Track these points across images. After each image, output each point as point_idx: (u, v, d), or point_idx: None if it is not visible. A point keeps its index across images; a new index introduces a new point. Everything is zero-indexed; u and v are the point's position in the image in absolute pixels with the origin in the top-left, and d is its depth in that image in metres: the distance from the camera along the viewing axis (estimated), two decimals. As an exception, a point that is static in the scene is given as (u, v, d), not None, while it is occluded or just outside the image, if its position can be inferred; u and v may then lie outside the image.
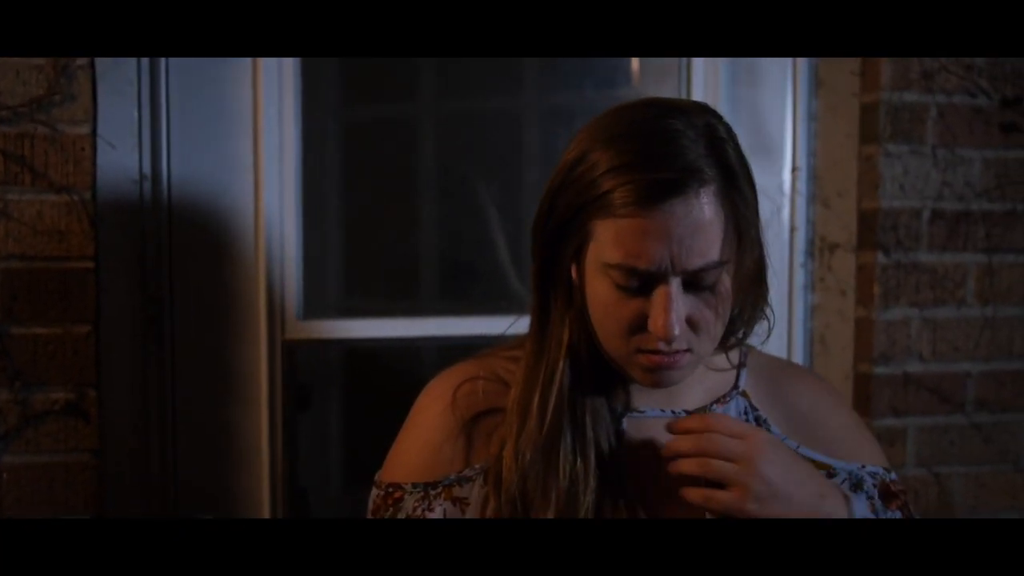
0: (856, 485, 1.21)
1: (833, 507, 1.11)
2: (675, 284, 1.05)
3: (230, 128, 1.69)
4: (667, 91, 1.93)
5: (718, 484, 1.09)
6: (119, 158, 1.60)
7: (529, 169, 2.02)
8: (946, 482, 1.90)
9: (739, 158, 1.10)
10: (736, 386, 1.24)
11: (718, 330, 1.11)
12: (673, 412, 1.21)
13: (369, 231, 1.88)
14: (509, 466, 1.12)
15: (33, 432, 1.54)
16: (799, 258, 1.92)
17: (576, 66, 1.95)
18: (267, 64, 1.69)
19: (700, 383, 1.22)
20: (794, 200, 1.92)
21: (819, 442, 1.23)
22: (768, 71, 1.90)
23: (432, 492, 1.17)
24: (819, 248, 1.92)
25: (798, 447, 1.21)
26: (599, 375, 1.16)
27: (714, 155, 1.06)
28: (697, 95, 1.88)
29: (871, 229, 1.86)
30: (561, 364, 1.14)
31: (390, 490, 1.19)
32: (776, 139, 1.91)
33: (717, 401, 1.22)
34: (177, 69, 1.66)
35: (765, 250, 1.15)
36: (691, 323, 1.08)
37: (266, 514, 1.70)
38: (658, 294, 1.06)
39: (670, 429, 1.13)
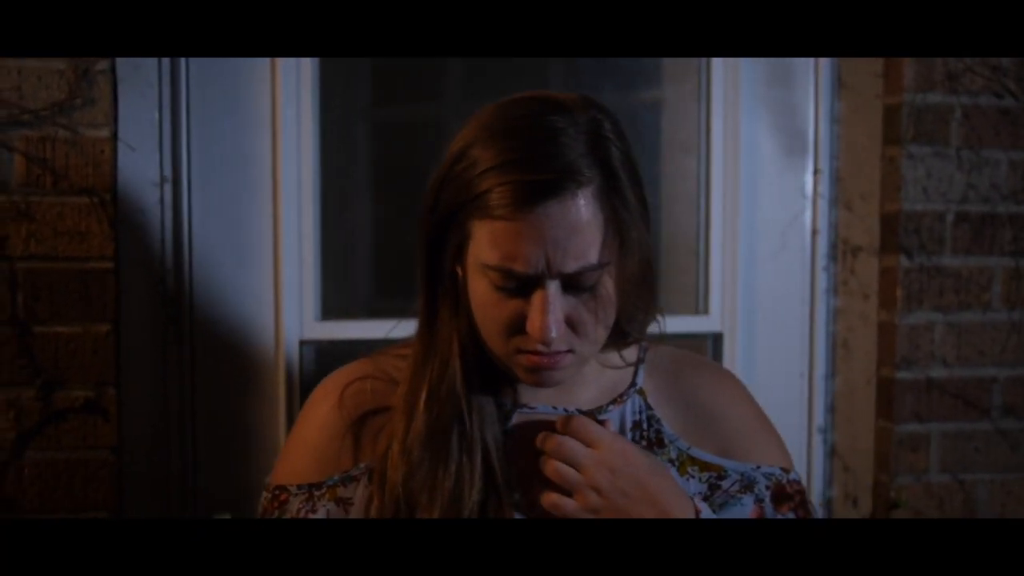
0: (747, 487, 1.20)
1: None
2: (553, 286, 1.04)
3: (248, 130, 1.71)
4: (688, 92, 1.92)
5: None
6: (139, 160, 1.62)
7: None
8: (971, 489, 1.87)
9: (624, 157, 1.07)
10: (633, 384, 1.23)
11: (599, 332, 1.10)
12: (565, 410, 1.19)
13: (397, 232, 1.90)
14: (395, 465, 1.12)
15: (54, 429, 1.57)
16: (821, 261, 1.90)
17: (598, 68, 1.95)
18: (285, 66, 1.71)
19: (595, 381, 1.21)
20: (816, 203, 1.90)
21: (713, 441, 1.21)
22: (790, 73, 1.88)
23: (317, 493, 1.16)
24: (842, 251, 1.90)
25: (689, 448, 1.20)
26: (487, 372, 1.15)
27: (595, 154, 1.04)
28: (717, 97, 1.87)
29: (894, 232, 1.84)
30: (448, 362, 1.13)
31: (276, 492, 1.19)
32: (798, 141, 1.89)
33: (613, 401, 1.21)
34: (196, 72, 1.68)
35: (651, 252, 1.12)
36: (571, 324, 1.07)
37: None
38: (536, 296, 1.05)
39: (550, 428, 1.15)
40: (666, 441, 1.20)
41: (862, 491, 1.91)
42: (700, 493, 1.18)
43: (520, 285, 1.05)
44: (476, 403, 1.14)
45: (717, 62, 1.87)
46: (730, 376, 1.31)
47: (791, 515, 1.21)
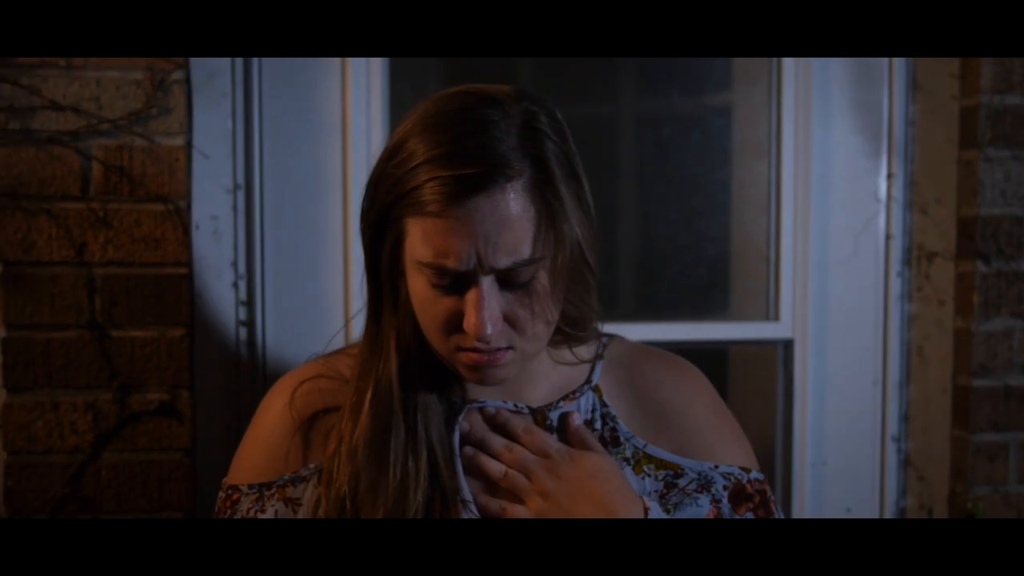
0: (704, 486, 1.17)
1: None
2: (487, 283, 1.03)
3: (319, 137, 1.73)
4: (759, 96, 1.91)
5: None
6: (213, 168, 1.66)
7: (624, 176, 2.02)
8: (1051, 500, 1.83)
9: (559, 151, 1.05)
10: (589, 380, 1.21)
11: (539, 328, 1.08)
12: (516, 406, 1.18)
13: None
14: (341, 465, 1.11)
15: (130, 431, 1.60)
16: (895, 267, 1.87)
17: (668, 72, 1.94)
18: (355, 74, 1.73)
19: (546, 377, 1.20)
20: (890, 207, 1.87)
21: (671, 438, 1.19)
22: (864, 75, 1.85)
23: (267, 493, 1.16)
24: (916, 257, 1.87)
25: (645, 446, 1.18)
26: (434, 369, 1.14)
27: (526, 147, 1.02)
28: (788, 100, 1.85)
29: (970, 237, 1.80)
30: (392, 360, 1.12)
31: (229, 492, 1.19)
32: (872, 145, 1.86)
33: (566, 397, 1.20)
34: (269, 80, 1.71)
35: (589, 245, 1.09)
36: (509, 321, 1.06)
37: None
38: (470, 294, 1.03)
39: (501, 424, 1.16)
40: (621, 439, 1.19)
41: (937, 502, 1.87)
42: (656, 491, 1.17)
43: (455, 282, 1.04)
44: (422, 401, 1.13)
45: (788, 65, 1.85)
46: (692, 372, 1.28)
47: (750, 515, 1.18)
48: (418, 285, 1.07)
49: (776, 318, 1.88)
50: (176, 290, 1.61)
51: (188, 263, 1.62)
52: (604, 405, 1.20)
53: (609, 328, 1.82)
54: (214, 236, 1.66)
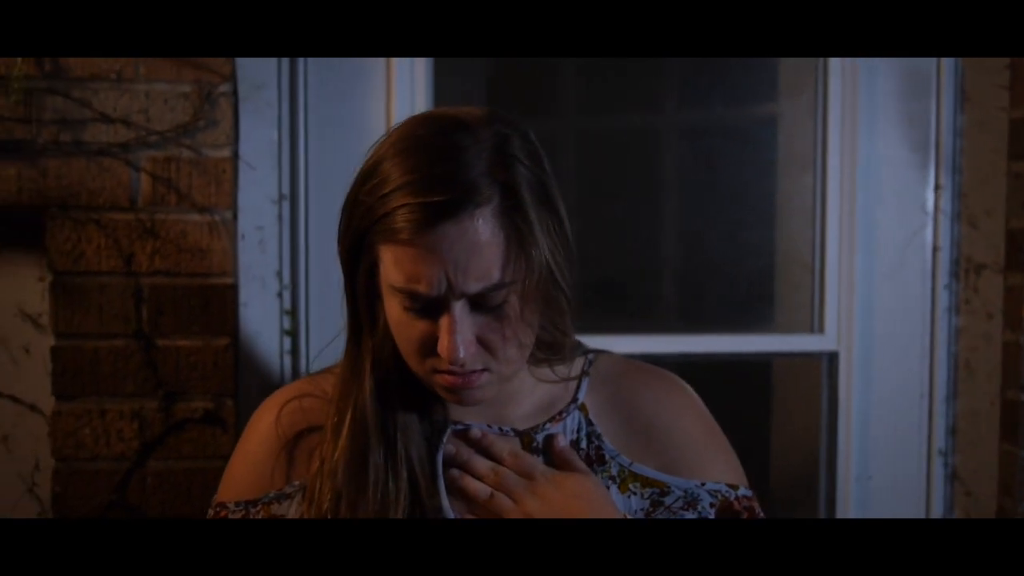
0: (690, 504, 1.16)
1: None
2: (458, 307, 1.03)
3: (364, 148, 1.72)
4: (804, 106, 1.89)
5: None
6: (258, 179, 1.67)
7: (666, 187, 2.01)
8: (1103, 517, 1.79)
9: (530, 174, 1.05)
10: (575, 399, 1.20)
11: (511, 351, 1.08)
12: (501, 429, 1.18)
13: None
14: (323, 484, 1.11)
15: (175, 439, 1.62)
16: (943, 279, 1.85)
17: (712, 82, 1.94)
18: (400, 85, 1.74)
19: (529, 397, 1.19)
20: (938, 219, 1.85)
21: (657, 456, 1.18)
22: (911, 85, 1.84)
23: (253, 509, 1.16)
24: (964, 269, 1.84)
25: (631, 464, 1.17)
26: (414, 390, 1.14)
27: (496, 173, 1.02)
28: (834, 110, 1.84)
29: (1020, 249, 1.77)
30: (370, 381, 1.12)
31: (217, 509, 1.19)
32: (919, 156, 1.84)
33: (552, 419, 1.19)
34: (314, 91, 1.73)
35: (561, 269, 1.09)
36: (483, 343, 1.06)
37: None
38: (443, 319, 1.04)
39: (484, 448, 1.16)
40: (607, 457, 1.18)
41: (985, 517, 1.85)
42: (642, 510, 1.16)
43: (427, 306, 1.05)
44: (402, 421, 1.13)
45: (834, 74, 1.83)
46: (680, 387, 1.26)
47: None
48: (393, 309, 1.08)
49: (821, 331, 1.87)
50: (221, 300, 1.63)
51: (233, 273, 1.63)
52: (590, 423, 1.19)
53: (651, 341, 1.82)
54: (259, 246, 1.68)
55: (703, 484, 1.18)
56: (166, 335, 1.62)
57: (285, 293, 1.71)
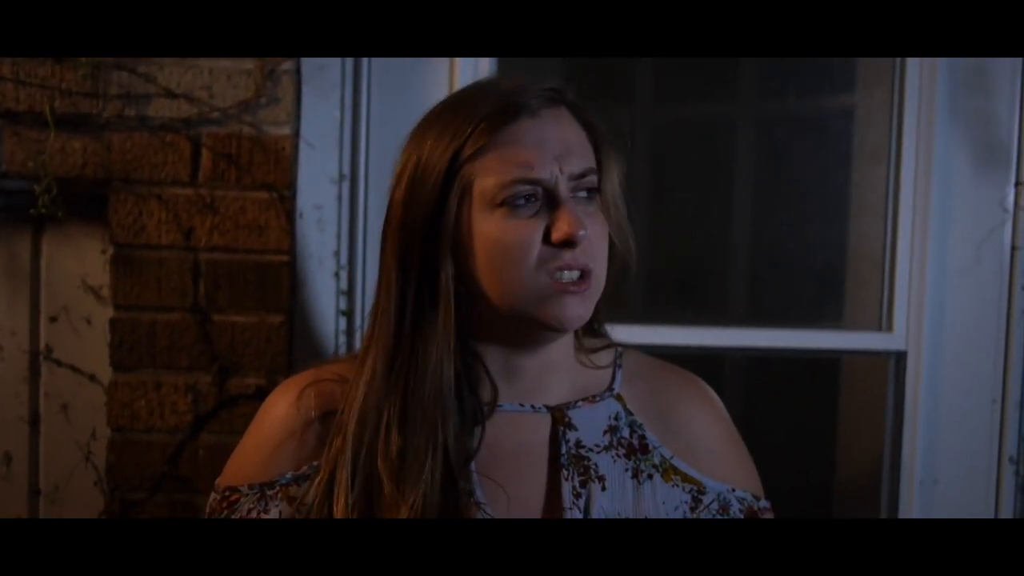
0: (724, 507, 1.18)
1: None
2: (564, 190, 1.09)
3: (425, 131, 1.73)
4: (880, 99, 1.84)
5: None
6: (318, 158, 1.68)
7: (738, 178, 1.98)
8: None
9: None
10: (611, 388, 1.21)
11: (601, 264, 1.12)
12: (533, 407, 1.17)
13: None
14: (345, 466, 1.10)
15: (228, 414, 1.64)
16: (1020, 280, 1.78)
17: (788, 72, 1.90)
18: (463, 70, 1.72)
19: (568, 373, 1.19)
20: (1016, 217, 1.78)
21: (693, 455, 1.20)
22: (989, 79, 1.77)
23: (269, 492, 1.15)
24: (1043, 270, 1.77)
25: (672, 457, 1.18)
26: (457, 372, 1.13)
27: (555, 90, 1.13)
28: (911, 104, 1.78)
29: (1103, 251, 1.70)
30: (428, 371, 1.11)
31: (227, 494, 1.17)
32: (997, 152, 1.77)
33: (585, 399, 1.19)
34: (378, 75, 1.72)
35: (620, 224, 1.17)
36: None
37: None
38: (556, 207, 1.09)
39: None
40: (650, 447, 1.19)
41: (1057, 529, 1.77)
42: (685, 503, 1.18)
43: (535, 202, 1.09)
44: (441, 403, 1.12)
45: (912, 68, 1.78)
46: (710, 392, 1.29)
47: None
48: (495, 227, 1.09)
49: (889, 329, 1.81)
50: (277, 277, 1.64)
51: (290, 251, 1.64)
52: (630, 413, 1.20)
53: (716, 334, 1.79)
54: (318, 225, 1.68)
55: (733, 490, 1.21)
56: (222, 310, 1.63)
57: (342, 273, 1.71)
